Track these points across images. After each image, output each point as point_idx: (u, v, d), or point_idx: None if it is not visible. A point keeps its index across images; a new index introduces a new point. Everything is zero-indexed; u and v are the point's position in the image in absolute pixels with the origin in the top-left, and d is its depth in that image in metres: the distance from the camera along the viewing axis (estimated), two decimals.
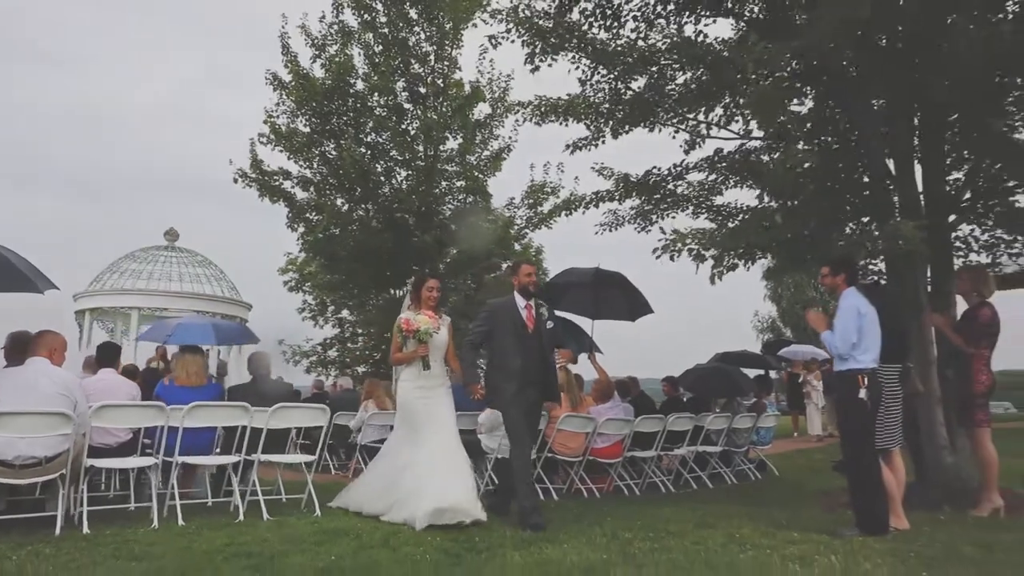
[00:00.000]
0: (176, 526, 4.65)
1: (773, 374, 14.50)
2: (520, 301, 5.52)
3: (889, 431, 5.02)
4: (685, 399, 9.27)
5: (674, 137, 7.99)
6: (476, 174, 14.87)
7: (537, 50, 7.72)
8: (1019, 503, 5.74)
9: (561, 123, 8.18)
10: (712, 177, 7.99)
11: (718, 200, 8.04)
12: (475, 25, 12.55)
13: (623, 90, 7.75)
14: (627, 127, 7.88)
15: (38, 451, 4.45)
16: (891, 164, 6.16)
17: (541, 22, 7.61)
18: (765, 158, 7.18)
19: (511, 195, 15.45)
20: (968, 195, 6.19)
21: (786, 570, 3.69)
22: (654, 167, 8.13)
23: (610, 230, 8.55)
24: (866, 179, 6.04)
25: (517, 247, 15.68)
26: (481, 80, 14.82)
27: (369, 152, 14.28)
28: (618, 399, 7.93)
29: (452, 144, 14.74)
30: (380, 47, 14.29)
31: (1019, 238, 6.12)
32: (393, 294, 15.09)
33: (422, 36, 14.53)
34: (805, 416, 15.06)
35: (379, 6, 14.20)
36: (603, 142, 8.06)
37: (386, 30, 14.26)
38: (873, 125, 5.83)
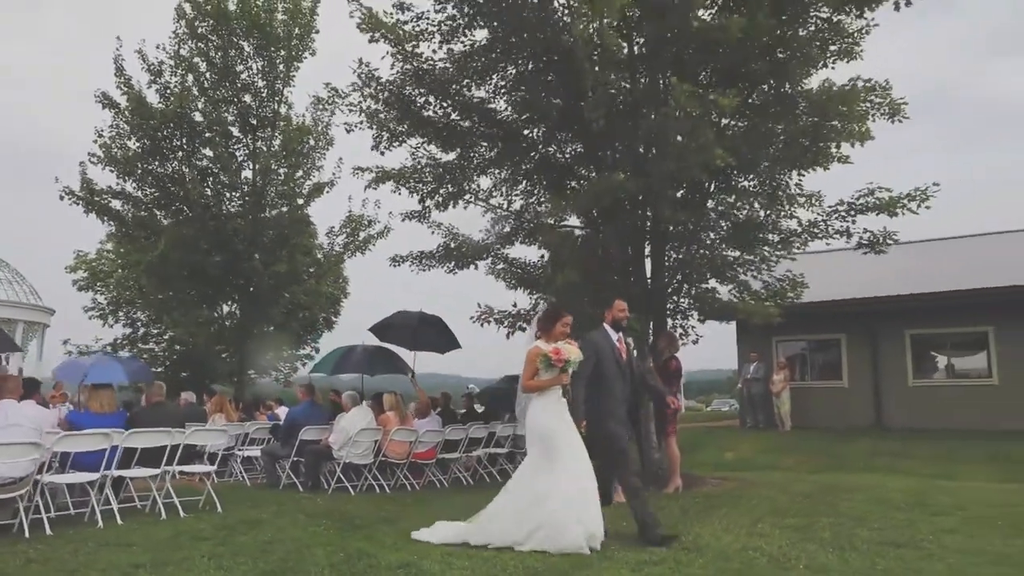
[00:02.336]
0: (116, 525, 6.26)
1: None
2: (613, 334, 5.96)
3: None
4: (480, 411, 11.89)
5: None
6: (299, 202, 16.45)
7: (383, 140, 9.91)
8: (693, 481, 8.96)
9: (394, 191, 10.44)
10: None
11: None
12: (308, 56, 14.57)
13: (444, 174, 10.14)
14: (449, 204, 10.34)
15: (17, 472, 5.83)
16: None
17: (385, 115, 9.76)
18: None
19: (332, 224, 17.23)
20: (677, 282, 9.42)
21: None
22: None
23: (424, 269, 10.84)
24: (615, 278, 8.98)
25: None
26: (307, 117, 16.46)
27: (199, 174, 15.32)
28: (434, 414, 10.31)
29: (278, 172, 16.19)
30: (214, 76, 15.38)
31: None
32: (219, 310, 16.21)
33: (255, 69, 15.81)
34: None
35: (214, 37, 15.28)
36: (429, 215, 10.44)
37: (219, 60, 15.38)
38: (621, 244, 8.77)
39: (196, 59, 15.39)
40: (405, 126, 9.65)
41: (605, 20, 6.44)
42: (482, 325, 8.62)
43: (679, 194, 8.83)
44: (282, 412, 12.73)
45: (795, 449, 14.11)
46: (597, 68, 7.08)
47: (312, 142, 16.48)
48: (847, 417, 16.84)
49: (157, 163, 15.07)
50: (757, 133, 8.21)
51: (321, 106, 14.93)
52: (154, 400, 7.84)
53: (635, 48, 8.23)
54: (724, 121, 8.05)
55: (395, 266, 10.62)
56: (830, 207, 8.74)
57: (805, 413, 17.08)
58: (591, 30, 6.52)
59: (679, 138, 7.06)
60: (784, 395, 17.02)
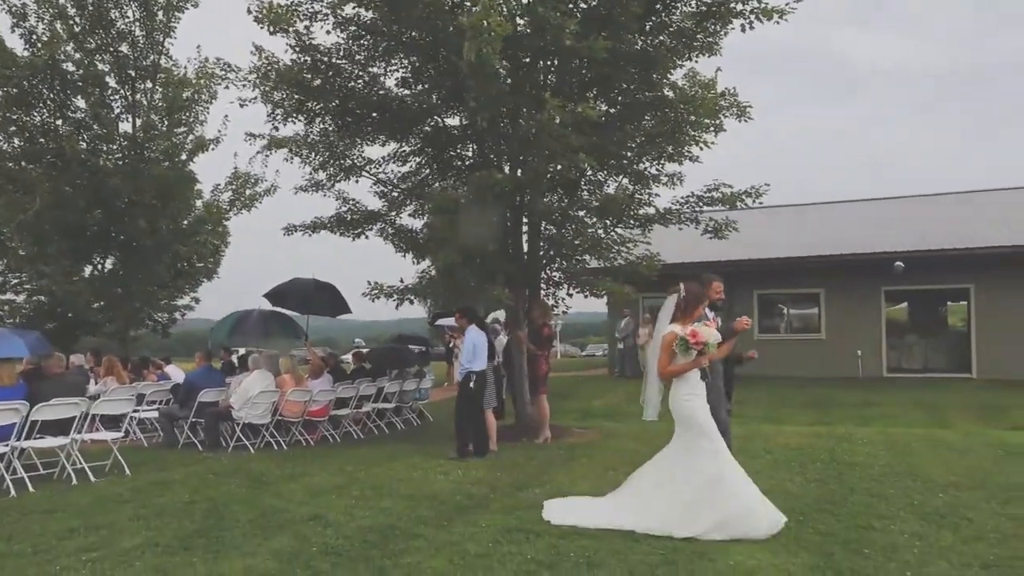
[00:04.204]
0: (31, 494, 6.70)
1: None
2: (710, 314, 6.28)
3: (488, 397, 9.02)
4: (368, 368, 12.68)
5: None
6: (182, 157, 16.22)
7: (278, 116, 10.26)
8: (560, 432, 10.22)
9: (287, 159, 10.86)
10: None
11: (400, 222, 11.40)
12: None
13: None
14: (340, 177, 10.89)
15: None
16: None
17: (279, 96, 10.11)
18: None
19: (217, 181, 17.12)
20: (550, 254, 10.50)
21: (437, 480, 7.25)
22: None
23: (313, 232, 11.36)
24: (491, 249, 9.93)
25: (220, 229, 17.41)
26: (189, 68, 16.13)
27: (72, 127, 14.81)
28: (326, 374, 11.03)
29: (159, 127, 15.86)
30: (86, 23, 14.77)
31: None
32: (98, 266, 15.90)
33: (131, 17, 15.27)
34: (454, 368, 19.75)
35: None
36: (323, 186, 10.94)
37: (91, 4, 14.74)
38: (501, 223, 9.70)
39: (65, 2, 14.69)
40: (299, 104, 10.05)
41: (487, 49, 7.19)
42: (373, 300, 9.39)
43: (555, 179, 9.84)
44: (172, 371, 13.01)
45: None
46: (479, 79, 7.85)
47: (195, 96, 16.19)
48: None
49: (22, 113, 14.45)
50: (623, 133, 9.28)
51: (210, 78, 14.79)
52: (55, 371, 8.14)
53: (518, 59, 9.08)
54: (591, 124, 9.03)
55: (288, 234, 11.08)
56: (682, 198, 10.06)
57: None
58: (474, 54, 7.24)
59: (551, 142, 8.00)
60: (649, 348, 18.79)
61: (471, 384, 8.50)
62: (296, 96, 9.88)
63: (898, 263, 16.22)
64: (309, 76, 9.64)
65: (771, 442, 8.95)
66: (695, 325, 5.29)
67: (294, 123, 10.31)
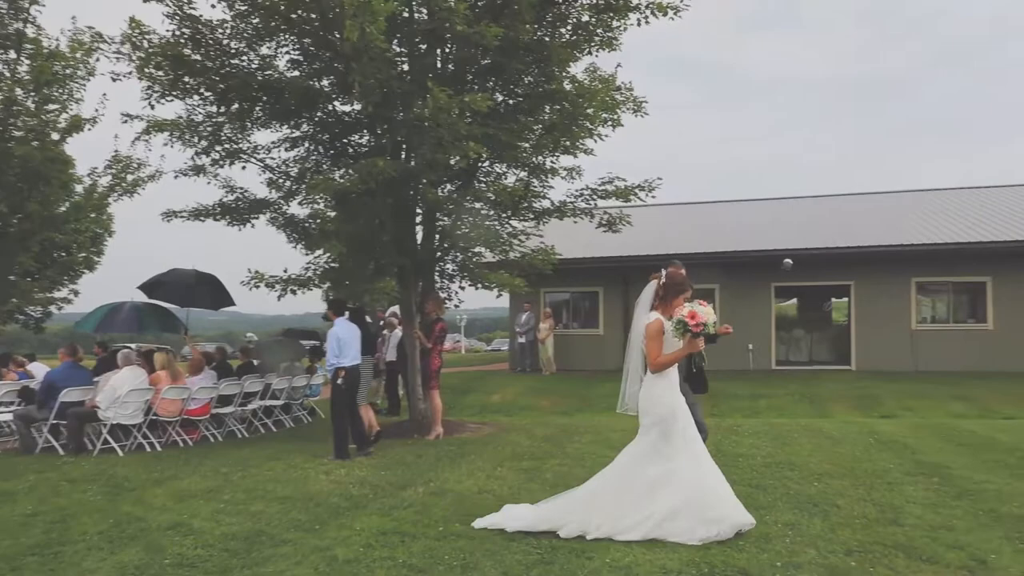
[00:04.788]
0: None
1: None
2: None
3: (363, 393, 8.72)
4: (256, 363, 12.09)
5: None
6: (53, 138, 14.95)
7: (155, 94, 9.55)
8: (454, 428, 10.02)
9: (167, 144, 10.15)
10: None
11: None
12: None
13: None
14: (224, 164, 10.28)
15: None
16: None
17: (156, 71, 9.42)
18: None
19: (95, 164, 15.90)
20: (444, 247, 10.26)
21: (319, 480, 6.90)
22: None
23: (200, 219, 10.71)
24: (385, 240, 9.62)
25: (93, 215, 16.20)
26: (62, 40, 14.88)
27: None
28: (208, 370, 10.40)
29: (25, 103, 14.55)
30: None
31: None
32: None
33: None
34: None
35: None
36: (204, 172, 10.29)
37: None
38: (393, 214, 9.39)
39: None
40: (178, 80, 9.39)
41: (370, 28, 6.87)
42: (251, 289, 8.89)
43: (449, 169, 9.61)
44: (35, 369, 11.99)
45: (553, 392, 15.91)
46: (365, 62, 7.51)
47: (68, 71, 14.94)
48: (602, 361, 19.07)
49: None
50: (519, 124, 9.14)
51: (86, 51, 13.67)
52: None
53: (404, 45, 8.80)
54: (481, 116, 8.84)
55: (167, 220, 10.38)
56: (576, 191, 10.04)
57: (567, 358, 19.12)
58: (358, 33, 6.92)
59: (438, 129, 7.75)
60: (548, 342, 18.86)
61: (339, 380, 8.11)
62: (172, 71, 9.21)
63: (787, 260, 16.88)
64: (188, 51, 9.01)
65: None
66: (692, 306, 4.72)
67: (170, 101, 9.63)
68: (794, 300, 24.32)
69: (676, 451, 4.73)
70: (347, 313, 8.70)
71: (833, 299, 23.47)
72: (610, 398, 14.87)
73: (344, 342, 8.13)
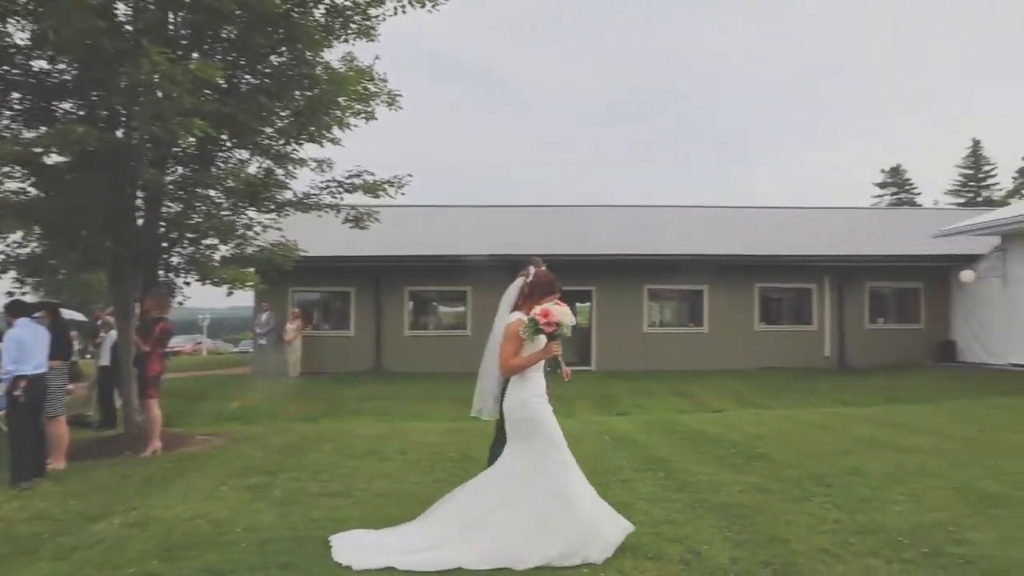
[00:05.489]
0: None
1: None
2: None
3: (55, 404, 7.40)
4: None
5: None
6: None
7: None
8: (177, 441, 8.83)
9: None
10: None
11: None
12: None
13: None
14: None
15: None
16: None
17: None
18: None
19: None
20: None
21: None
22: None
23: None
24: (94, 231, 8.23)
25: None
26: None
27: None
28: None
29: None
30: None
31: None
32: None
33: None
34: None
35: None
36: None
37: None
38: (102, 196, 8.03)
39: None
40: None
41: None
42: None
43: (180, 147, 8.48)
44: None
45: (300, 396, 14.98)
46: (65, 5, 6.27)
47: None
48: (352, 363, 18.44)
49: None
50: (260, 106, 8.30)
51: None
52: None
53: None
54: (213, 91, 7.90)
55: None
56: (322, 183, 9.41)
57: (315, 360, 18.18)
58: None
59: (159, 99, 6.73)
60: (296, 343, 17.80)
61: (18, 392, 6.70)
62: None
63: (532, 265, 17.57)
64: None
65: (408, 440, 8.73)
66: (547, 305, 4.41)
67: None
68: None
69: (567, 457, 4.41)
70: (40, 312, 7.29)
71: (577, 304, 25.02)
72: (360, 401, 14.49)
73: (26, 346, 6.72)
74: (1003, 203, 41.68)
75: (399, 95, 9.51)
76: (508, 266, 18.10)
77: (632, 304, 19.46)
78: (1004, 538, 4.59)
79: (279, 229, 9.56)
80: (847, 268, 19.40)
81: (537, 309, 4.36)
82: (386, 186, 9.16)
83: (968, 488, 5.86)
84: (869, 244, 20.40)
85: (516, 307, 4.65)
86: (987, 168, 56.25)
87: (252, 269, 9.04)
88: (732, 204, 26.32)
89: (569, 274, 18.83)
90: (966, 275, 17.87)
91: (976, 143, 57.10)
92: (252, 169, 9.45)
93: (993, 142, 79.28)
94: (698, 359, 18.69)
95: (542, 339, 4.37)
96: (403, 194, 9.16)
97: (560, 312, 4.34)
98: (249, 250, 9.17)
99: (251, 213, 9.25)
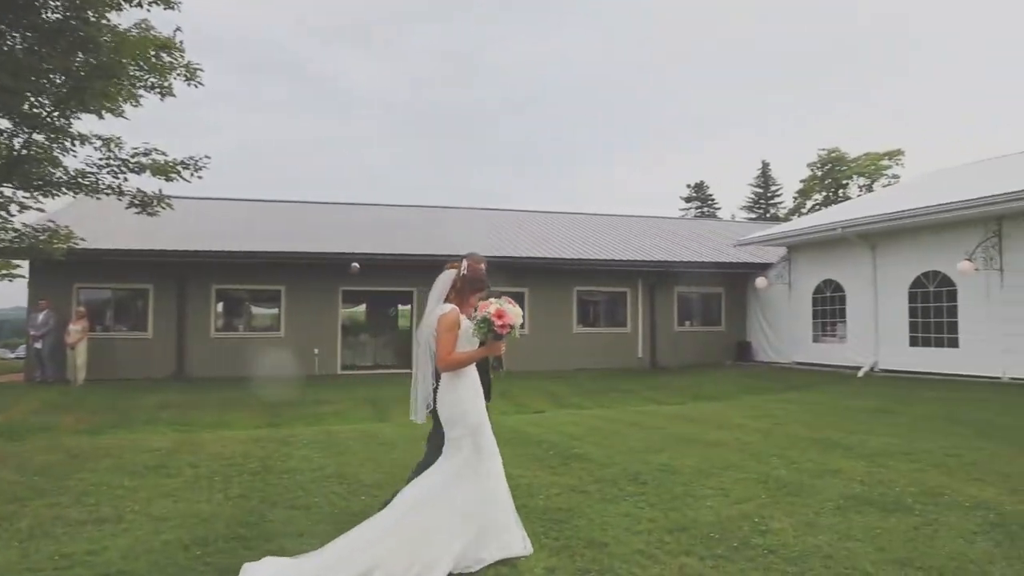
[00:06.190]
0: None
1: None
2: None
3: None
4: None
5: None
6: None
7: None
8: None
9: None
10: None
11: None
12: None
13: None
14: None
15: None
16: None
17: None
18: None
19: None
20: None
21: None
22: None
23: None
24: None
25: None
26: None
27: None
28: None
29: None
30: None
31: None
32: None
33: None
34: None
35: None
36: None
37: None
38: None
39: None
40: None
41: None
42: None
43: None
44: None
45: (82, 406, 13.21)
46: None
47: None
48: (150, 368, 16.70)
49: None
50: (14, 63, 7.07)
51: None
52: None
53: None
54: None
55: None
56: (101, 159, 8.23)
57: (106, 365, 16.25)
58: None
59: None
60: (81, 347, 15.79)
61: None
62: None
63: (354, 264, 16.85)
64: None
65: (202, 452, 7.81)
66: (500, 304, 4.21)
67: None
68: (363, 306, 24.75)
69: (490, 466, 4.23)
70: None
71: (399, 305, 24.47)
72: (155, 410, 13.06)
73: None
74: (786, 219, 46.48)
75: (199, 68, 8.57)
76: (326, 266, 17.46)
77: None
78: (801, 524, 4.77)
79: (41, 210, 8.24)
80: (658, 273, 20.47)
81: (492, 307, 4.20)
82: (179, 168, 8.15)
83: (768, 478, 6.12)
84: (678, 251, 21.70)
85: (448, 299, 4.43)
86: (774, 188, 62.46)
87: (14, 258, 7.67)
88: (556, 210, 27.00)
89: (390, 276, 18.43)
90: (760, 282, 19.50)
91: (765, 165, 63.18)
92: (19, 141, 8.09)
93: (780, 165, 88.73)
94: (518, 361, 18.85)
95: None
96: (200, 177, 8.21)
97: (514, 313, 4.23)
98: (7, 236, 7.79)
99: (7, 190, 7.86)
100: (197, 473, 6.76)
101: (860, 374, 15.98)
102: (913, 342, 15.57)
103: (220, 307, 18.16)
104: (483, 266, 4.76)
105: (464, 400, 4.26)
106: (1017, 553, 4.21)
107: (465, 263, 4.57)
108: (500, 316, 4.18)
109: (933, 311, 15.19)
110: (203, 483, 6.37)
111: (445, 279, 4.53)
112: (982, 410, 10.34)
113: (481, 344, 4.26)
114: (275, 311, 18.34)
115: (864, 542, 4.41)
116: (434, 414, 4.46)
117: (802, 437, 8.36)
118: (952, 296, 14.78)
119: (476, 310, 4.29)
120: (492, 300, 4.29)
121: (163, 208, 8.55)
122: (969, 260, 13.87)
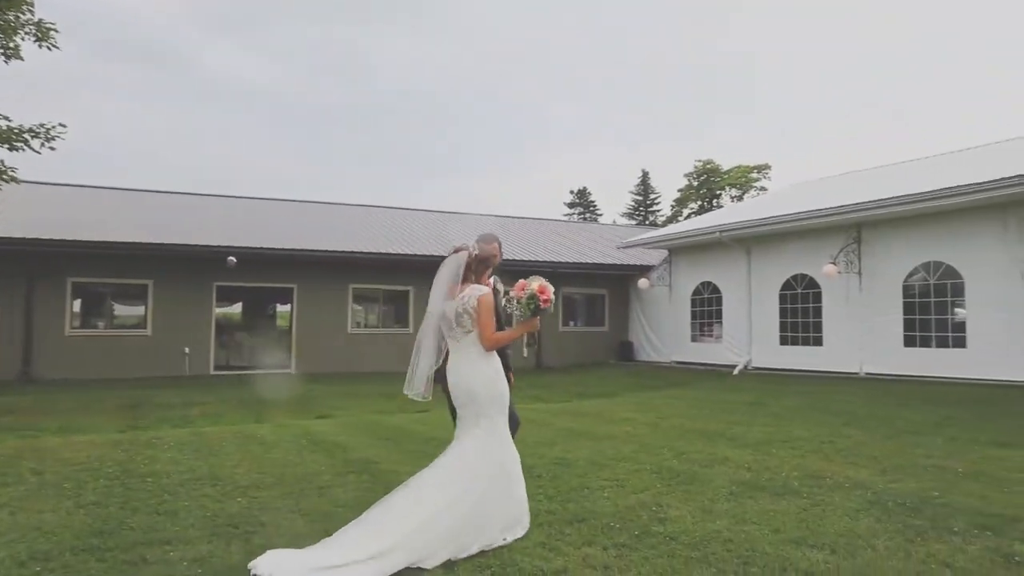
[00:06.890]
0: None
1: None
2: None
3: None
4: None
5: None
6: None
7: None
8: None
9: None
10: None
11: None
12: None
13: None
14: None
15: None
16: None
17: None
18: None
19: None
20: None
21: None
22: None
23: None
24: None
25: None
26: None
27: None
28: None
29: None
30: None
31: None
32: None
33: None
34: None
35: None
36: None
37: None
38: None
39: None
40: None
41: None
42: None
43: None
44: None
45: None
46: None
47: None
48: None
49: None
50: None
51: None
52: None
53: None
54: None
55: None
56: None
57: None
58: None
59: None
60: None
61: None
62: None
63: (231, 258, 15.89)
64: None
65: (49, 458, 6.96)
66: (537, 280, 4.35)
67: None
68: (239, 304, 23.48)
69: (507, 445, 4.25)
70: None
71: (278, 305, 23.38)
72: None
73: None
74: (664, 226, 48.39)
75: (53, 28, 7.67)
76: (199, 259, 16.34)
77: (337, 304, 18.59)
78: (698, 510, 4.77)
79: None
80: (544, 274, 20.55)
81: (535, 284, 4.30)
82: (27, 135, 7.22)
83: (661, 468, 6.13)
84: (565, 253, 21.95)
85: (466, 280, 4.44)
86: (653, 196, 64.92)
87: None
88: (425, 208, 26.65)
89: (269, 270, 17.51)
90: (642, 283, 20.03)
91: (645, 174, 65.55)
92: None
93: (659, 175, 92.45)
94: (405, 360, 18.42)
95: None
96: (53, 148, 7.32)
97: (551, 288, 4.36)
98: None
99: None
100: (42, 480, 6.00)
101: (735, 372, 16.70)
102: (783, 341, 16.44)
103: (77, 303, 16.61)
104: (495, 245, 4.87)
105: (495, 379, 4.30)
106: (895, 527, 4.38)
107: (473, 245, 4.62)
108: (543, 292, 4.29)
109: (801, 312, 16.10)
110: (49, 491, 5.64)
111: (453, 263, 4.50)
112: (846, 402, 10.99)
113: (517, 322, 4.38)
114: (141, 308, 16.96)
115: (760, 524, 4.44)
116: (447, 392, 4.51)
117: (688, 429, 8.52)
118: (818, 298, 15.72)
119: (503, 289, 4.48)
120: (531, 278, 4.36)
121: (5, 182, 7.57)
122: (833, 263, 14.79)
